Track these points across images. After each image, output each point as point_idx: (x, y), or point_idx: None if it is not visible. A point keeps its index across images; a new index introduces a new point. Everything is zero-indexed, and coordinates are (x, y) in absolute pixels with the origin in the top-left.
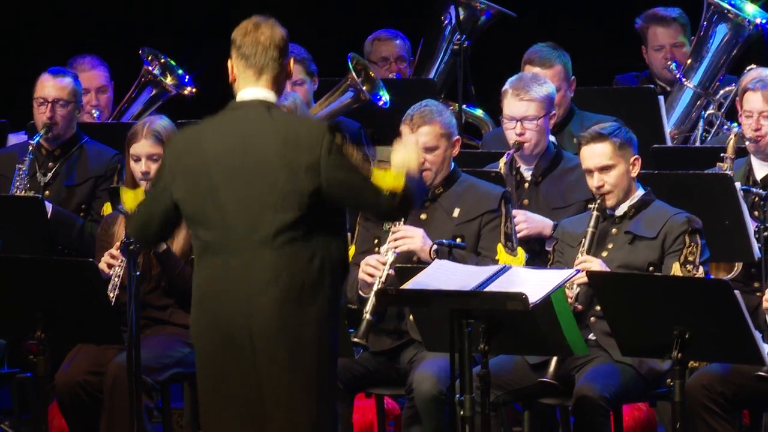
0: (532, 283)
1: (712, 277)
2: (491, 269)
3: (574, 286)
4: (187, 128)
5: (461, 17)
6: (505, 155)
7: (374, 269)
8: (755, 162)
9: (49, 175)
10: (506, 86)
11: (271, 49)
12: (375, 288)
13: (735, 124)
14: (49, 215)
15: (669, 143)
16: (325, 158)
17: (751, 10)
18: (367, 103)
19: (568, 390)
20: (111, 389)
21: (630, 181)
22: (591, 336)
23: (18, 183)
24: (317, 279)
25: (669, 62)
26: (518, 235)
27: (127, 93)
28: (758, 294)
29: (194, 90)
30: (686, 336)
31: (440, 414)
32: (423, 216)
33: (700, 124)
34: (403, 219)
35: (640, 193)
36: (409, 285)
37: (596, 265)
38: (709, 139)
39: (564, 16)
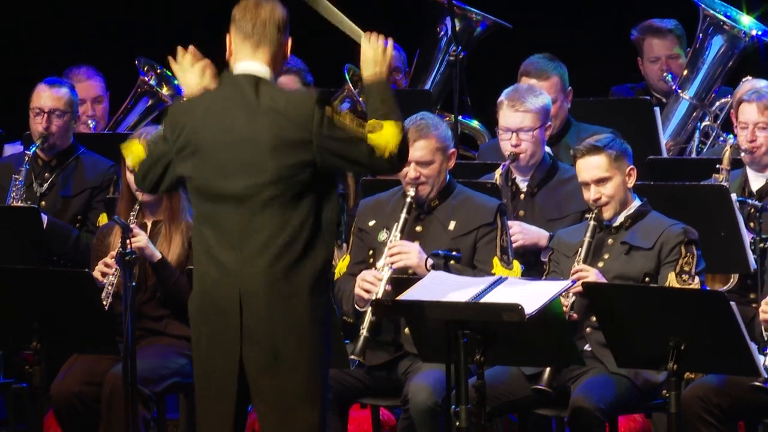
0: (528, 294)
1: (708, 288)
2: (487, 280)
3: (570, 294)
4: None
5: (457, 28)
6: (501, 166)
7: (371, 285)
8: (751, 173)
9: (46, 185)
10: (502, 97)
11: (270, 24)
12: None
13: (731, 136)
14: (44, 226)
15: (665, 154)
16: (317, 134)
17: (746, 21)
18: (363, 115)
19: (564, 401)
20: (108, 400)
21: (626, 192)
22: (587, 347)
23: (14, 193)
24: (309, 243)
25: (665, 74)
26: (514, 246)
27: (123, 103)
28: (754, 305)
29: None
30: (682, 347)
31: (436, 425)
32: (418, 228)
33: (696, 135)
34: (398, 230)
35: (636, 203)
36: (404, 296)
37: (593, 274)
38: (704, 150)
39: (560, 28)
